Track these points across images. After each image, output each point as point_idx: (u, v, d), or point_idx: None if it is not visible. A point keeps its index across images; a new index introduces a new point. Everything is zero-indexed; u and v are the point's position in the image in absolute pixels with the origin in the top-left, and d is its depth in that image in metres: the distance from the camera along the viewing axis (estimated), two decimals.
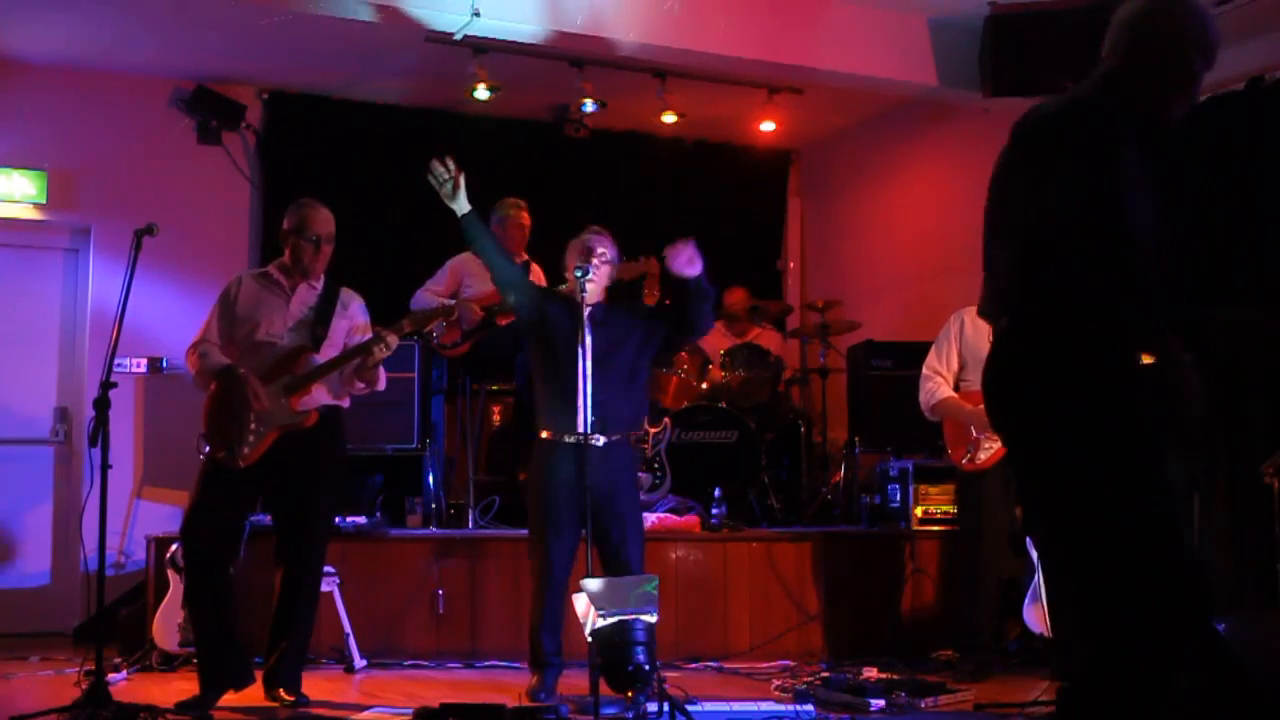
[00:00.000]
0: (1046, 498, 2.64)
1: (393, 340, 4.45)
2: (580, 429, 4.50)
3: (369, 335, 4.62)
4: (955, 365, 5.27)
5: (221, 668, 4.39)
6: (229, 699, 4.39)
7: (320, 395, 4.52)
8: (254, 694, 4.46)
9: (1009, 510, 5.17)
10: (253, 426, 4.38)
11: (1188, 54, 2.67)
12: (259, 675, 4.49)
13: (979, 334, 5.22)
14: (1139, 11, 2.71)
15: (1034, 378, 2.60)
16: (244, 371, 4.41)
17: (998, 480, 5.10)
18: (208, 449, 4.48)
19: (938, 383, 5.26)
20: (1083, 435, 2.53)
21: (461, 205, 4.63)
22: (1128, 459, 2.52)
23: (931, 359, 5.33)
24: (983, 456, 5.12)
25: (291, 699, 4.40)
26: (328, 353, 4.53)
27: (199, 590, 4.42)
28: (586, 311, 4.56)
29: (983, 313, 2.85)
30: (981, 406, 5.15)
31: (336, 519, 5.46)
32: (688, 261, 4.56)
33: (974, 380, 5.23)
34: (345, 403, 4.66)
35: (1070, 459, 2.55)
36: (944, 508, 5.95)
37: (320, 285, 4.64)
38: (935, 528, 5.99)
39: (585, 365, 4.49)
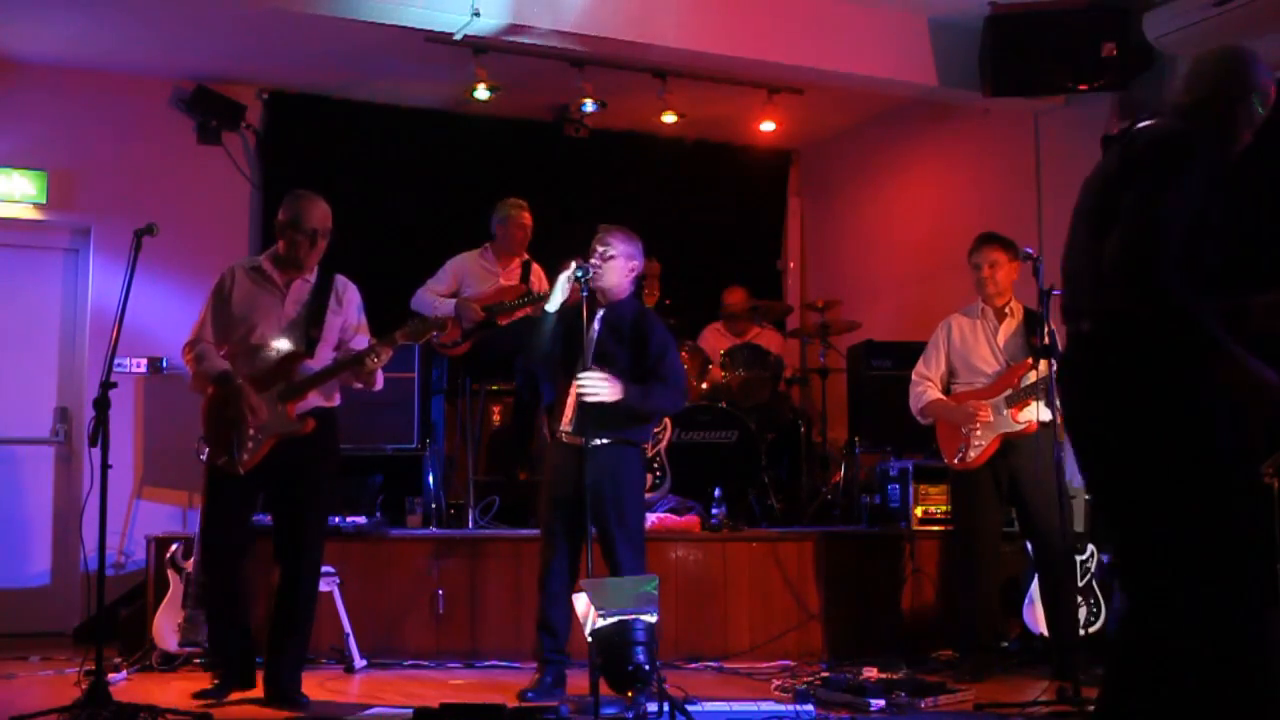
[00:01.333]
0: (1148, 489, 2.79)
1: (385, 354, 4.43)
2: (573, 428, 4.50)
3: (363, 330, 4.63)
4: (943, 370, 5.38)
5: (242, 666, 4.48)
6: (229, 699, 4.41)
7: (312, 398, 4.51)
8: (254, 694, 4.46)
9: (1001, 508, 5.20)
10: (251, 433, 4.40)
11: (1252, 102, 3.07)
12: (259, 675, 4.50)
13: (965, 340, 5.29)
14: (1216, 63, 3.09)
15: (1133, 378, 2.79)
16: (241, 382, 4.41)
17: (989, 478, 5.13)
18: (207, 451, 4.50)
19: (926, 387, 5.36)
20: (1194, 430, 2.73)
21: (553, 305, 4.61)
22: (1234, 454, 2.75)
23: (920, 366, 5.44)
24: (973, 455, 5.15)
25: (292, 699, 4.40)
26: (322, 350, 4.52)
27: (219, 594, 4.51)
28: (600, 313, 4.57)
29: (1064, 312, 3.05)
30: (968, 403, 5.22)
31: (336, 519, 5.48)
32: (590, 394, 4.40)
33: (964, 382, 5.30)
34: (336, 402, 4.65)
35: (1182, 453, 2.74)
36: (943, 508, 5.96)
37: (314, 278, 4.60)
38: (935, 528, 5.99)
39: (587, 362, 4.52)
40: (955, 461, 5.23)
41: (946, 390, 5.36)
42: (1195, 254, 2.80)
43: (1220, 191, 2.91)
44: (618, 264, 4.71)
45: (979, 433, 5.14)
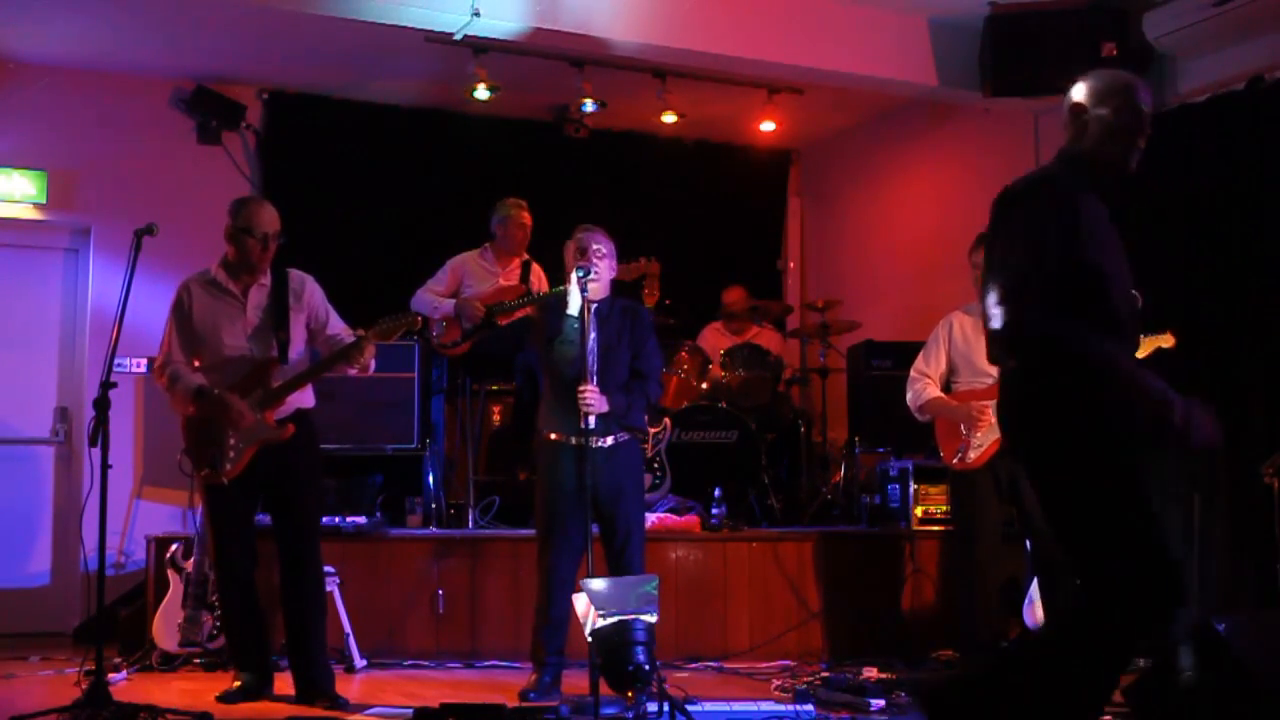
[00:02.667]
0: (1056, 507, 3.02)
1: (372, 347, 4.43)
2: (583, 430, 4.49)
3: (329, 317, 4.63)
4: (943, 368, 5.33)
5: (264, 670, 4.56)
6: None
7: (292, 399, 4.53)
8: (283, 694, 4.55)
9: (1002, 508, 5.18)
10: (231, 443, 4.42)
11: (1131, 132, 3.13)
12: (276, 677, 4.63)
13: (968, 338, 5.26)
14: (1085, 99, 3.20)
15: (1041, 414, 3.02)
16: (219, 392, 4.42)
17: (989, 478, 5.11)
18: (191, 468, 4.56)
19: (925, 384, 5.31)
20: (1081, 457, 2.94)
21: (574, 308, 4.63)
22: (1115, 473, 2.92)
23: (919, 363, 5.39)
24: (973, 455, 5.13)
25: (328, 700, 4.43)
26: (294, 351, 4.53)
27: (237, 604, 4.56)
28: (592, 309, 4.56)
29: (991, 359, 3.25)
30: (971, 404, 5.19)
31: (336, 519, 5.49)
32: (587, 406, 4.48)
33: (965, 382, 5.26)
34: (312, 403, 4.67)
35: (1074, 475, 2.96)
36: (943, 508, 5.96)
37: (269, 281, 4.58)
38: (935, 528, 5.99)
39: (592, 364, 4.51)
40: (955, 462, 5.21)
41: (946, 389, 5.34)
42: (1080, 298, 2.90)
43: (1092, 233, 2.97)
44: (608, 263, 4.76)
45: (980, 433, 5.13)
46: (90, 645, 4.28)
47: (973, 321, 5.29)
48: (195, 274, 4.66)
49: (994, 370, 5.12)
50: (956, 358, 5.29)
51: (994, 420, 5.09)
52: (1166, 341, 4.95)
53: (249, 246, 4.50)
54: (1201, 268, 5.66)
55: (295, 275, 4.64)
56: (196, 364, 4.55)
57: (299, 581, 4.52)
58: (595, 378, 4.56)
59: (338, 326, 4.64)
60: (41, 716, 3.93)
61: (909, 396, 5.37)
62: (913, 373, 5.38)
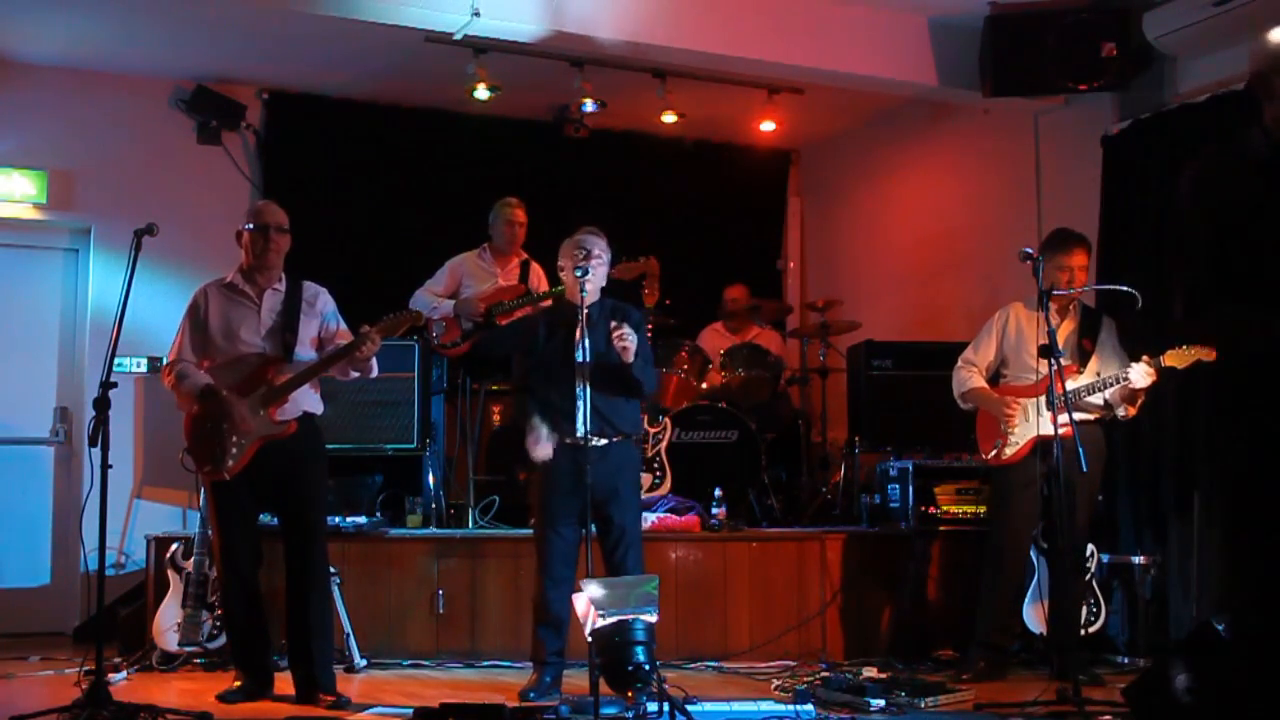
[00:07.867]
0: None
1: (377, 340, 4.47)
2: (578, 430, 4.50)
3: (339, 328, 4.69)
4: (991, 359, 5.27)
5: (265, 670, 4.60)
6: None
7: (302, 402, 4.57)
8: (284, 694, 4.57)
9: (1034, 507, 5.14)
10: (233, 440, 4.45)
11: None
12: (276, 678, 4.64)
13: (1021, 331, 5.20)
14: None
15: None
16: (225, 394, 4.46)
17: (1023, 477, 5.08)
18: (194, 465, 4.58)
19: (971, 371, 5.27)
20: None
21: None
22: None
23: (968, 351, 5.34)
24: (1009, 451, 5.09)
25: (331, 699, 4.44)
26: (300, 354, 4.57)
27: (241, 602, 4.58)
28: (584, 313, 4.57)
29: None
30: (1004, 397, 5.06)
31: (336, 519, 5.49)
32: (621, 346, 4.53)
33: (1013, 376, 5.21)
34: (320, 409, 4.69)
35: None
36: (945, 508, 5.95)
37: (284, 286, 4.66)
38: (936, 527, 5.97)
39: (585, 365, 4.52)
40: (990, 457, 5.17)
41: (996, 379, 5.29)
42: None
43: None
44: (603, 269, 4.80)
45: (1016, 430, 5.09)
46: (90, 645, 4.28)
47: (1029, 315, 5.23)
48: (212, 281, 4.73)
49: (1040, 367, 5.07)
50: (1007, 350, 5.25)
51: (1027, 417, 5.06)
52: (1208, 355, 4.74)
53: (255, 240, 4.58)
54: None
55: (309, 286, 4.73)
56: (205, 365, 4.59)
57: (305, 584, 4.54)
58: (585, 380, 4.57)
59: (346, 338, 4.67)
60: (41, 716, 3.93)
61: (955, 384, 5.33)
62: (960, 360, 5.35)
